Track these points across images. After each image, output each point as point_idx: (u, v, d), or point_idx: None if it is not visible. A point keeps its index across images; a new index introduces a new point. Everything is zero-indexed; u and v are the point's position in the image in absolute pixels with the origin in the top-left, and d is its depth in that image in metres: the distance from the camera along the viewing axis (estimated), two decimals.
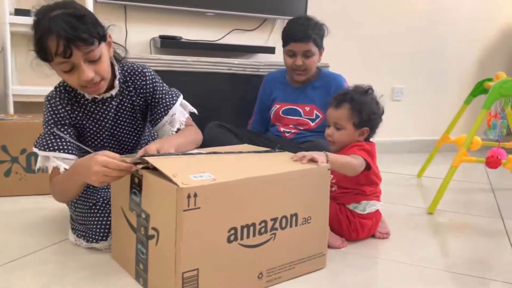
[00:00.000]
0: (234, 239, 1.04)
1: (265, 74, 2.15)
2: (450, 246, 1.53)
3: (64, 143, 1.29)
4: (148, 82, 1.41)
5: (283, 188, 1.12)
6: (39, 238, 1.41)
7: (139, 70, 1.41)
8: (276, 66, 2.31)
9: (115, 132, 1.43)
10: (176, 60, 2.21)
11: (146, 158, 1.08)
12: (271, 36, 2.76)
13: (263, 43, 2.75)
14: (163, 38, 2.40)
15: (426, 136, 3.27)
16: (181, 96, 1.48)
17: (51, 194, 1.33)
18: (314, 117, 1.92)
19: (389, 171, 2.53)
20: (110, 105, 1.38)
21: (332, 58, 2.51)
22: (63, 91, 1.34)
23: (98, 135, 1.41)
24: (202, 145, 1.45)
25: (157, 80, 1.44)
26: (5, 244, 1.36)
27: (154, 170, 1.05)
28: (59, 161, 1.28)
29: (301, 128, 1.93)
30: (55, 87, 1.35)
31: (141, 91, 1.41)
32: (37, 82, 2.02)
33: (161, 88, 1.44)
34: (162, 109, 1.42)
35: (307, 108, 1.93)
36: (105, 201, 1.31)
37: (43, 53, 1.16)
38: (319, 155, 1.23)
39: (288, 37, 1.88)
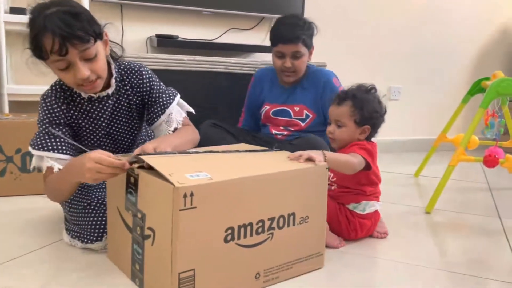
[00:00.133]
0: (231, 239, 1.03)
1: None
2: (447, 246, 1.52)
3: (58, 143, 1.29)
4: (145, 81, 1.40)
5: (281, 188, 1.12)
6: (35, 238, 1.40)
7: (136, 68, 1.40)
8: None
9: (111, 131, 1.42)
10: (172, 59, 2.20)
11: (142, 156, 1.07)
12: (268, 35, 2.74)
13: (260, 42, 2.75)
14: (159, 37, 2.39)
15: (423, 135, 3.28)
16: (178, 96, 1.48)
17: (45, 193, 1.33)
18: (304, 117, 1.89)
19: (386, 171, 2.52)
20: (107, 104, 1.36)
21: (329, 58, 2.51)
22: (59, 89, 1.33)
23: (94, 134, 1.39)
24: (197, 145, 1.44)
25: (154, 79, 1.43)
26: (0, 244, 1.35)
27: (150, 169, 1.04)
28: (53, 161, 1.27)
29: (292, 129, 1.90)
30: (51, 86, 1.34)
31: (138, 90, 1.41)
32: (32, 81, 2.01)
33: (158, 87, 1.43)
34: (159, 108, 1.41)
35: (297, 108, 1.90)
36: (100, 201, 1.30)
37: (39, 51, 1.15)
38: (316, 154, 1.22)
39: (276, 38, 1.83)
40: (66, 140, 1.29)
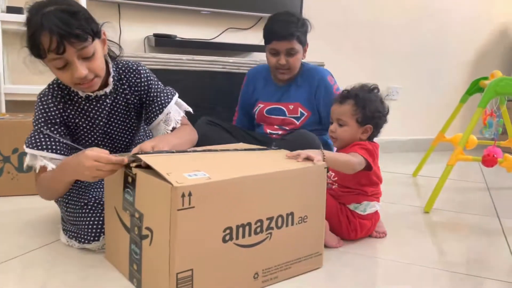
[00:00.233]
0: (229, 239, 1.03)
1: None
2: (446, 245, 1.52)
3: (53, 143, 1.28)
4: (143, 80, 1.40)
5: (279, 187, 1.11)
6: (32, 238, 1.39)
7: (134, 68, 1.40)
8: None
9: (109, 130, 1.41)
10: (170, 58, 2.20)
11: (140, 155, 1.06)
12: None
13: (258, 41, 2.73)
14: (157, 36, 2.38)
15: (422, 135, 3.28)
16: (176, 95, 1.47)
17: (37, 191, 1.32)
18: (299, 115, 1.87)
19: (385, 170, 2.50)
20: (104, 103, 1.36)
21: (328, 57, 2.51)
22: (56, 88, 1.32)
23: (92, 133, 1.39)
24: None
25: (152, 78, 1.42)
26: None
27: (148, 169, 1.03)
28: (47, 160, 1.27)
29: (287, 128, 1.89)
30: (49, 85, 1.34)
31: (136, 89, 1.40)
32: (29, 81, 2.00)
33: (156, 86, 1.42)
34: (157, 108, 1.41)
35: (291, 107, 1.88)
36: (97, 201, 1.29)
37: (36, 50, 1.14)
38: (315, 153, 1.22)
39: (270, 35, 1.80)
40: (60, 140, 1.28)
